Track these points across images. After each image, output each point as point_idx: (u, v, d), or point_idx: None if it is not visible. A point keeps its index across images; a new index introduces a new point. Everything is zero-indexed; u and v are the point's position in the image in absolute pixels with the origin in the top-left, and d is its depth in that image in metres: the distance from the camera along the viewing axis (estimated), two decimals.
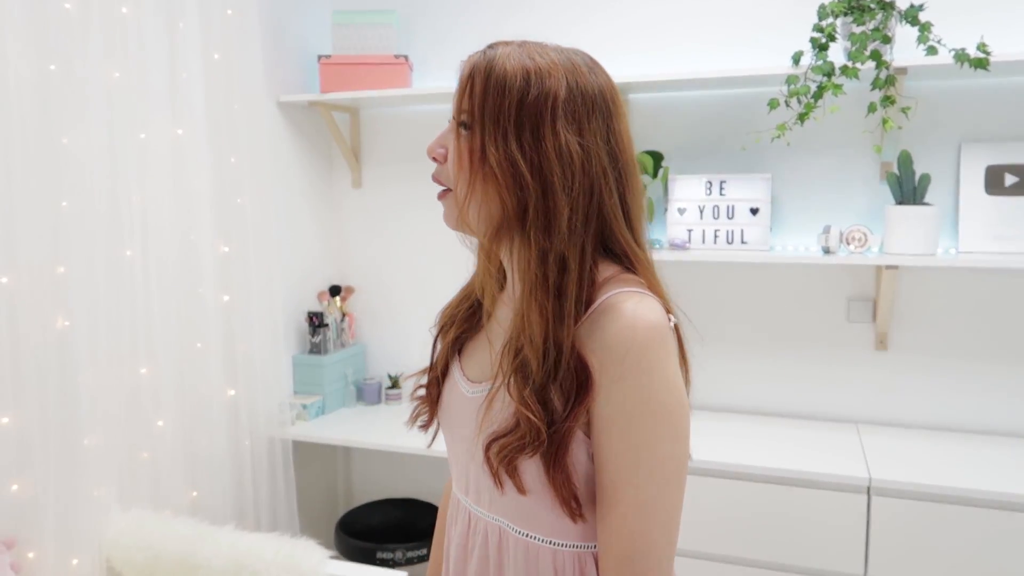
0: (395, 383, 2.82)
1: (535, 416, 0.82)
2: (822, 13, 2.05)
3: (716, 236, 2.29)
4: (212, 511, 2.22)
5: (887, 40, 2.00)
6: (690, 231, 2.32)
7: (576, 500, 0.86)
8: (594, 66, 0.88)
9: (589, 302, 0.85)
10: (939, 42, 1.95)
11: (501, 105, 0.83)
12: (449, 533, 1.04)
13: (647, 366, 0.81)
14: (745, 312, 2.42)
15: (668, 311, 0.88)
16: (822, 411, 2.38)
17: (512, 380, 0.86)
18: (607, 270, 0.88)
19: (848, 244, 2.15)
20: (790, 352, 2.39)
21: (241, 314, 2.35)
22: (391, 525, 2.69)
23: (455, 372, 1.00)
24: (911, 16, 1.98)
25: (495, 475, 0.88)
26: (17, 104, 1.69)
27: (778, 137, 2.10)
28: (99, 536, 1.91)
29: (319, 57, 2.58)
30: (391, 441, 2.37)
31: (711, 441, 2.16)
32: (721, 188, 2.28)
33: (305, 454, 2.73)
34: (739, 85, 2.31)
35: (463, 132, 0.87)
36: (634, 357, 0.81)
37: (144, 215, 2.04)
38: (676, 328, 0.89)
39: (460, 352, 1.02)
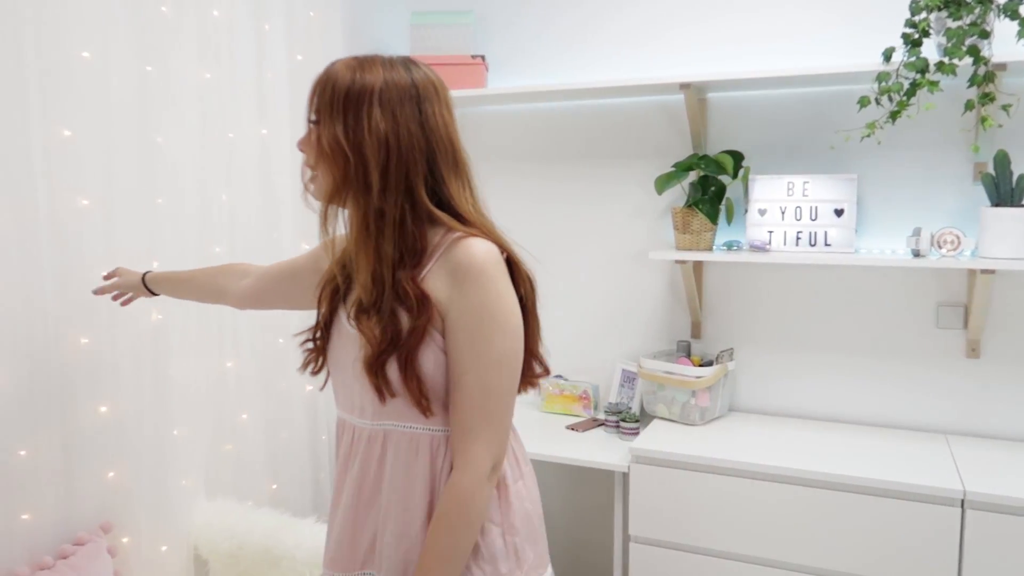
0: None
1: (368, 334, 1.10)
2: (915, 8, 1.98)
3: (798, 238, 2.24)
4: (291, 503, 2.27)
5: (985, 35, 1.92)
6: (771, 232, 2.27)
7: (426, 399, 1.11)
8: (413, 66, 1.13)
9: (422, 250, 1.12)
10: None
11: (332, 99, 1.09)
12: (337, 451, 1.27)
13: (484, 281, 1.08)
14: (828, 317, 2.36)
15: (501, 247, 1.14)
16: (909, 420, 2.30)
17: (352, 311, 1.14)
18: (441, 227, 1.13)
19: (940, 247, 2.07)
20: (875, 359, 2.32)
21: None
22: None
23: (341, 315, 1.20)
24: (1011, 10, 1.89)
25: (377, 387, 1.11)
26: (118, 104, 1.75)
27: (868, 136, 2.04)
28: (187, 524, 1.96)
29: None
30: None
31: (792, 448, 2.11)
32: (804, 189, 2.23)
33: None
34: (823, 83, 2.25)
35: (312, 127, 1.13)
36: (474, 275, 1.08)
37: (232, 212, 2.09)
38: (510, 258, 1.15)
39: (345, 299, 1.21)
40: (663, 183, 2.33)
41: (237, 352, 2.13)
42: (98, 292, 1.65)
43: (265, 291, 1.47)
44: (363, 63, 1.11)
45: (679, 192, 2.40)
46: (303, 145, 1.15)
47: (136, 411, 1.82)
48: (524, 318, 1.15)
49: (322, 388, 1.31)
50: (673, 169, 2.34)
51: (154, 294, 1.64)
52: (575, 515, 2.79)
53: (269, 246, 2.20)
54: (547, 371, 1.25)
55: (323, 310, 1.23)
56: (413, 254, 1.12)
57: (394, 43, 2.80)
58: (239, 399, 2.14)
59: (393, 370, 1.10)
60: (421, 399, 1.11)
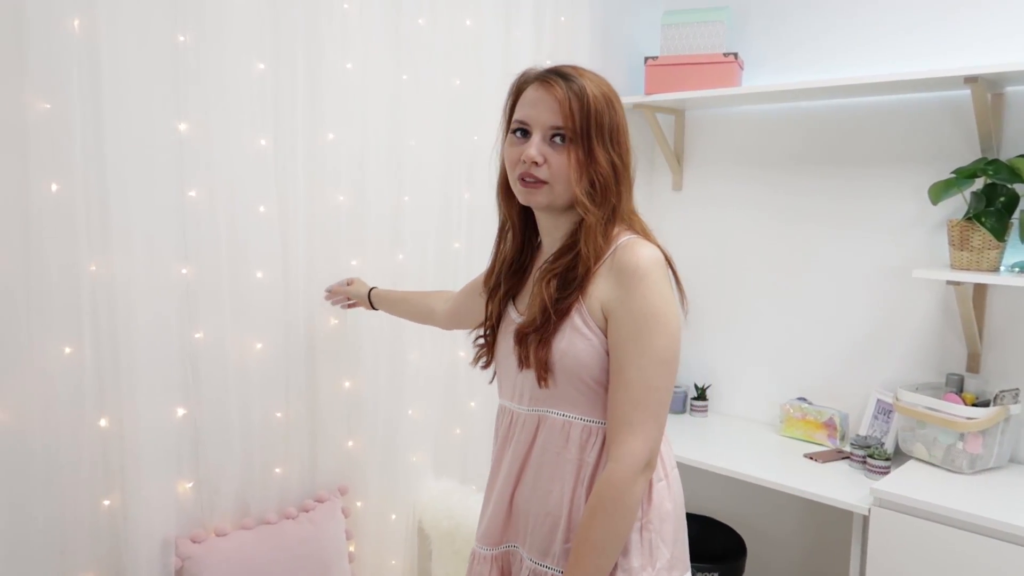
0: (702, 394, 2.71)
1: (546, 296, 1.19)
2: None
3: None
4: None
5: None
6: None
7: (548, 371, 1.19)
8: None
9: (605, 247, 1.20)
10: None
11: (600, 123, 1.18)
12: (496, 436, 1.36)
13: (649, 283, 1.14)
14: None
15: (663, 253, 1.21)
16: None
17: (552, 282, 1.20)
18: (621, 233, 1.22)
19: None
20: None
21: None
22: None
23: (510, 313, 1.31)
24: None
25: (521, 360, 1.22)
26: (374, 110, 1.93)
27: None
28: (414, 498, 2.11)
29: (646, 59, 2.57)
30: (693, 456, 2.26)
31: None
32: None
33: None
34: None
35: (558, 143, 1.18)
36: (640, 277, 1.14)
37: (471, 210, 2.20)
38: (669, 262, 1.20)
39: (514, 299, 1.32)
40: (939, 191, 2.03)
41: (468, 343, 2.23)
42: (331, 291, 1.88)
43: (459, 311, 1.64)
44: (613, 91, 1.22)
45: (959, 202, 2.07)
46: (548, 156, 1.18)
47: (374, 389, 2.00)
48: None
49: (491, 382, 1.40)
50: (953, 176, 2.02)
51: (374, 308, 1.85)
52: (810, 550, 2.54)
53: None
54: None
55: (491, 310, 1.34)
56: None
57: (643, 43, 2.76)
58: (468, 387, 2.25)
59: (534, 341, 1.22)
60: (543, 370, 1.20)
